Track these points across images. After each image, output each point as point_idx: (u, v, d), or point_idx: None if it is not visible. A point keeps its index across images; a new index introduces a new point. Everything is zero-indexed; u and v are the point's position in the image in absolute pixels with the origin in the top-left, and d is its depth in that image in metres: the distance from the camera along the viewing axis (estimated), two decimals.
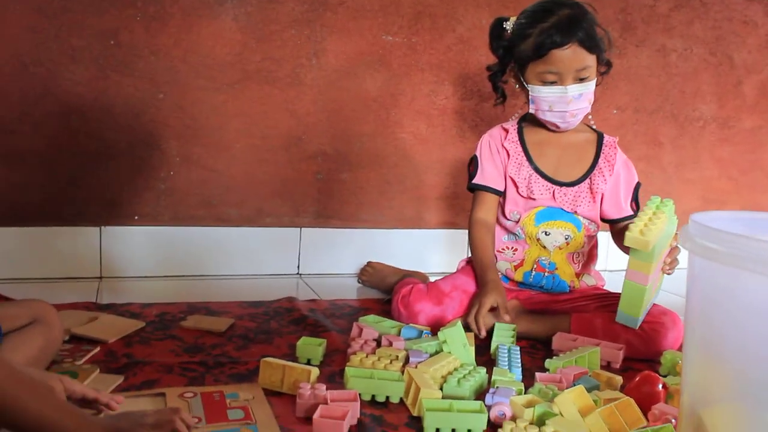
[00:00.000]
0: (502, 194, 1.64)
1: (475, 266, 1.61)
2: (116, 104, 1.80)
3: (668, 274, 1.43)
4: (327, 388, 1.09)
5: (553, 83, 1.49)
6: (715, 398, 0.74)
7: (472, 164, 1.66)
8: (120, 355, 1.26)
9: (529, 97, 1.55)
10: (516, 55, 1.54)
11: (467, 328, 1.43)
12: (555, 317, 1.57)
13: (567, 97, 1.49)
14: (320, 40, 1.97)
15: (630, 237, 1.28)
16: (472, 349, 1.34)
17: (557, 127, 1.57)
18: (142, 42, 1.80)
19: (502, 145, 1.63)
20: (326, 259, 2.08)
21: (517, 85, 1.59)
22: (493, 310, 1.48)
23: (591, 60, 1.49)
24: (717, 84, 2.55)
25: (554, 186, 1.59)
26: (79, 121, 1.78)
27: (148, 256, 1.89)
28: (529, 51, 1.50)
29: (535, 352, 1.48)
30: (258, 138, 1.95)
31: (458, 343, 1.29)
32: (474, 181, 1.65)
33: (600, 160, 1.61)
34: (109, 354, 1.26)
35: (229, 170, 1.93)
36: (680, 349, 1.48)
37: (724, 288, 0.73)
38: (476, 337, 1.46)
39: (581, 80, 1.49)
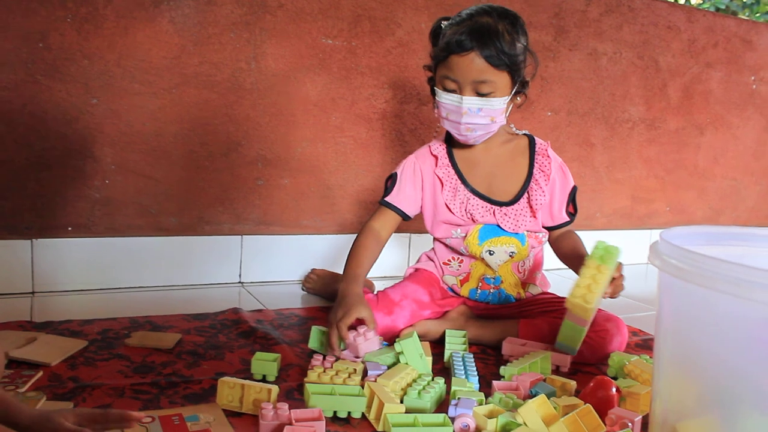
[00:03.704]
0: (407, 219, 1.59)
1: (345, 272, 1.48)
2: (47, 110, 1.71)
3: (613, 298, 1.41)
4: (288, 407, 1.07)
5: (453, 91, 1.43)
6: (690, 411, 0.75)
7: (391, 180, 1.58)
8: (65, 378, 1.20)
9: (435, 101, 1.49)
10: (432, 55, 1.49)
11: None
12: (503, 322, 1.58)
13: (462, 108, 1.42)
14: (259, 44, 1.93)
15: (572, 302, 1.27)
16: (430, 359, 1.34)
17: (458, 138, 1.51)
18: (73, 45, 1.72)
19: (434, 173, 1.57)
20: (268, 266, 2.04)
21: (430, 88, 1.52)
22: (358, 323, 1.35)
23: (495, 76, 1.40)
24: (644, 87, 2.64)
25: (494, 206, 1.55)
26: (7, 128, 1.69)
27: (84, 269, 1.81)
28: (437, 51, 1.45)
29: (487, 357, 1.49)
30: (196, 144, 1.89)
31: (415, 354, 1.29)
32: (386, 199, 1.57)
33: (534, 171, 1.56)
34: (53, 378, 1.20)
35: (167, 178, 1.87)
36: (626, 351, 1.53)
37: (697, 304, 0.75)
38: (432, 345, 1.46)
39: (481, 95, 1.41)
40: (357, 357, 1.32)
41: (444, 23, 1.47)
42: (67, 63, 1.72)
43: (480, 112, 1.43)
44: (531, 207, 1.55)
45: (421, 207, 1.60)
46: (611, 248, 1.33)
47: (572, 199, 1.60)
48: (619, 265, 1.38)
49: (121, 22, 1.75)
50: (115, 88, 1.77)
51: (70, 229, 1.79)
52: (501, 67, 1.40)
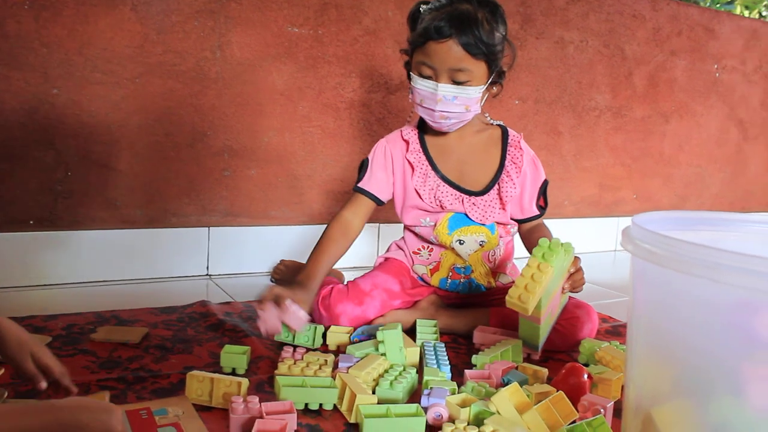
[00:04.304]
0: (381, 204, 1.59)
1: (305, 265, 1.48)
2: (5, 100, 1.67)
3: (575, 292, 1.42)
4: (259, 400, 1.05)
5: (429, 77, 1.41)
6: (665, 396, 0.76)
7: (363, 166, 1.58)
8: None
9: (410, 86, 1.47)
10: (409, 40, 1.47)
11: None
12: (474, 311, 1.58)
13: (437, 95, 1.40)
14: (224, 32, 1.90)
15: (509, 302, 1.26)
16: (416, 350, 1.33)
17: (431, 125, 1.50)
18: (32, 33, 1.67)
19: (405, 158, 1.56)
20: (236, 258, 2.02)
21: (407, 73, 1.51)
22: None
23: (472, 64, 1.39)
24: (610, 75, 2.65)
25: (463, 195, 1.54)
26: None
27: (47, 263, 1.76)
28: (414, 37, 1.43)
29: (458, 346, 1.49)
30: (161, 135, 1.86)
31: (395, 346, 1.28)
32: (359, 185, 1.56)
33: (506, 162, 1.55)
34: (16, 374, 1.16)
35: (131, 169, 1.83)
36: (597, 337, 1.54)
37: (670, 289, 0.75)
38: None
39: (457, 83, 1.40)
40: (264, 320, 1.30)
41: (423, 7, 1.45)
42: (26, 51, 1.67)
43: (455, 100, 1.41)
44: (501, 199, 1.54)
45: (393, 191, 1.60)
46: (555, 246, 1.30)
47: (543, 192, 1.60)
48: (576, 260, 1.38)
49: (81, 9, 1.71)
50: (76, 78, 1.73)
51: (31, 222, 1.74)
52: (478, 56, 1.38)
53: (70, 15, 1.70)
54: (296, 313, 1.30)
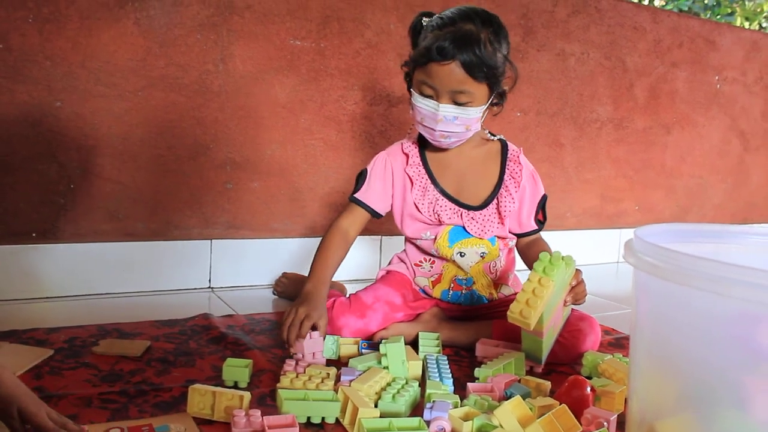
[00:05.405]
0: (377, 217, 1.58)
1: (313, 272, 1.47)
2: (8, 113, 1.67)
3: (578, 305, 1.42)
4: (261, 413, 1.05)
5: (430, 97, 1.40)
6: (668, 409, 0.75)
7: (361, 177, 1.58)
8: (30, 389, 1.16)
9: (411, 102, 1.46)
10: (411, 56, 1.46)
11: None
12: (476, 324, 1.57)
13: (438, 115, 1.39)
14: (227, 45, 1.90)
15: (511, 317, 1.26)
16: (419, 363, 1.33)
17: (432, 142, 1.49)
18: (35, 46, 1.68)
19: (405, 171, 1.56)
20: (239, 271, 2.02)
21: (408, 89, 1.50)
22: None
23: (474, 86, 1.37)
24: (611, 87, 2.66)
25: (462, 209, 1.54)
26: None
27: (49, 276, 1.76)
28: (417, 56, 1.42)
29: (461, 359, 1.48)
30: (164, 148, 1.86)
31: (398, 359, 1.28)
32: (356, 195, 1.56)
33: (506, 177, 1.55)
34: None
35: (134, 182, 1.84)
36: (599, 350, 1.53)
37: (673, 301, 0.75)
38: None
39: (458, 104, 1.39)
40: (300, 354, 1.33)
41: (425, 20, 1.44)
42: (29, 65, 1.68)
43: (456, 120, 1.41)
44: (499, 213, 1.54)
45: (391, 204, 1.60)
46: (556, 259, 1.29)
47: (542, 207, 1.60)
48: (577, 272, 1.38)
49: (84, 23, 1.72)
50: (79, 91, 1.74)
51: (34, 235, 1.75)
52: (480, 79, 1.37)
53: (74, 28, 1.71)
54: (318, 340, 1.35)
